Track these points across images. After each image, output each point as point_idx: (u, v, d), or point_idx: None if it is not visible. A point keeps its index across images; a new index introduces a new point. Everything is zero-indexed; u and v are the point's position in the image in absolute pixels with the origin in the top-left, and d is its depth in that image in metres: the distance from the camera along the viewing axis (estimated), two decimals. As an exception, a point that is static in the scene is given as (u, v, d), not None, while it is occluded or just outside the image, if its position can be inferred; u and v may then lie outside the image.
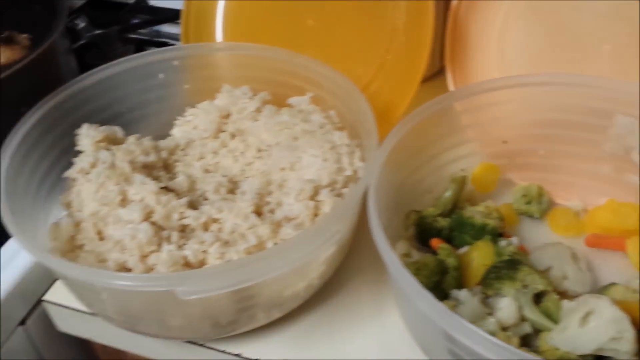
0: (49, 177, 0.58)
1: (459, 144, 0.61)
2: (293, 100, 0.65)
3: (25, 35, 0.74)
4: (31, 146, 0.56)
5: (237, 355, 0.53)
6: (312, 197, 0.55)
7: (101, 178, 0.55)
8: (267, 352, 0.53)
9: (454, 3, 0.65)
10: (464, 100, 0.59)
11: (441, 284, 0.50)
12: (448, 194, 0.58)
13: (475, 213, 0.55)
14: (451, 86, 0.67)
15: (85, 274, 0.44)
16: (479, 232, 0.54)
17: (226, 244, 0.52)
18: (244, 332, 0.54)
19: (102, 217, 0.53)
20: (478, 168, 0.62)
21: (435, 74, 0.77)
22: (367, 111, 0.56)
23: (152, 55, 0.65)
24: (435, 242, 0.54)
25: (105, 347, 0.66)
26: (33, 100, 0.58)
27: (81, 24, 0.88)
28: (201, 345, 0.54)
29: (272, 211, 0.56)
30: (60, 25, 0.61)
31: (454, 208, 0.58)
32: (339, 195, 0.56)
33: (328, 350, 0.53)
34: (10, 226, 0.48)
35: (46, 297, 0.59)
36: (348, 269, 0.58)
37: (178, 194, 0.57)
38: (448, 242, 0.55)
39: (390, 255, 0.43)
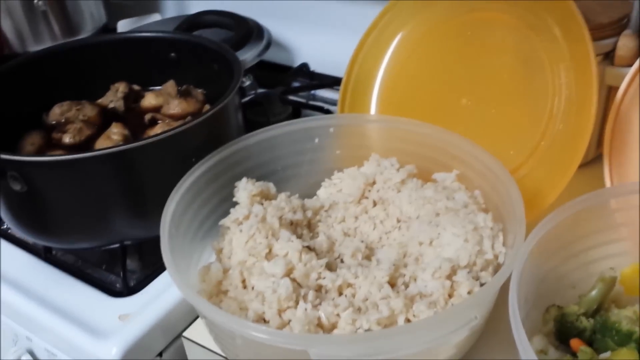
0: (206, 222, 0.63)
1: (610, 241, 0.58)
2: (438, 175, 0.66)
3: (200, 90, 0.83)
4: (196, 193, 0.61)
5: (354, 423, 0.54)
6: (449, 277, 0.55)
7: (252, 230, 0.59)
8: None
9: (617, 96, 0.64)
10: (621, 197, 0.57)
11: (578, 388, 0.48)
12: (594, 293, 0.55)
13: (623, 318, 0.52)
14: (607, 180, 0.65)
15: (235, 324, 0.47)
16: (624, 339, 0.51)
17: (358, 310, 0.53)
18: (363, 402, 0.54)
19: (248, 267, 0.57)
20: (629, 269, 0.58)
21: (588, 162, 0.75)
22: (516, 197, 0.55)
23: (311, 121, 0.70)
24: (576, 344, 0.51)
25: (229, 389, 0.69)
26: (203, 150, 0.64)
27: (247, 82, 0.96)
28: (320, 405, 0.55)
29: (406, 284, 0.56)
30: (237, 85, 0.67)
31: (599, 308, 0.55)
32: (476, 277, 0.55)
33: None
34: (168, 265, 0.53)
35: (186, 333, 0.64)
36: (476, 353, 0.57)
37: (317, 254, 0.59)
38: (589, 344, 0.52)
39: (530, 353, 0.42)
